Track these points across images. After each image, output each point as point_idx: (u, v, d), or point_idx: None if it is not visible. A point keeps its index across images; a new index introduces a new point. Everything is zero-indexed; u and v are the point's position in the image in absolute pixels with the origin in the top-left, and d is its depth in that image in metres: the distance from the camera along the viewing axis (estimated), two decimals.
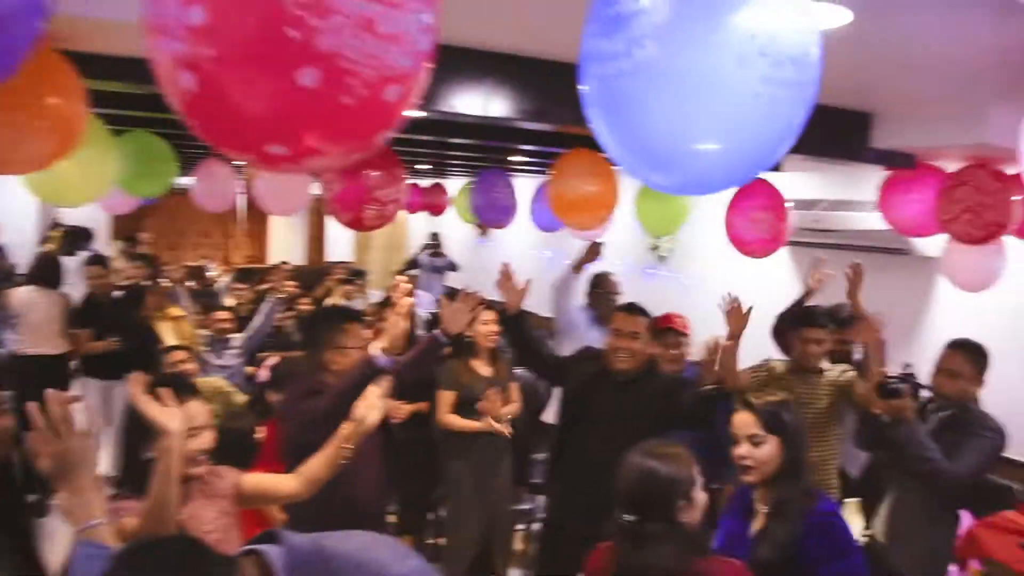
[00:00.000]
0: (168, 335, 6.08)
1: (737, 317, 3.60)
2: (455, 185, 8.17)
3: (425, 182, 9.53)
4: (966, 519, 3.59)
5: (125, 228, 11.66)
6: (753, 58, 1.32)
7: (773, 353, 4.38)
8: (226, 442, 2.71)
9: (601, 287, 5.42)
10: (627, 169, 1.54)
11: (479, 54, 2.83)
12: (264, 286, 7.58)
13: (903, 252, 5.10)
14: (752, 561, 2.37)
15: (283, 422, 3.33)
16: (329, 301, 8.46)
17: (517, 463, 4.74)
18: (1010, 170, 3.61)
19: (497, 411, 4.30)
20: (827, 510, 2.46)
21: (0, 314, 6.41)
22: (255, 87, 1.16)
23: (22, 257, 8.49)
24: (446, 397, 4.46)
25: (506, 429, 4.33)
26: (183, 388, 2.37)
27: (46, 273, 6.24)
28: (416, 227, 14.37)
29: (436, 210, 8.88)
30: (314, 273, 10.87)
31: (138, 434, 2.29)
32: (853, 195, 5.38)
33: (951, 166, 3.86)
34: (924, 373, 3.63)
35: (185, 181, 6.78)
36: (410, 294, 3.08)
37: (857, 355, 4.29)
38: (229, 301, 7.38)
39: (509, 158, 5.74)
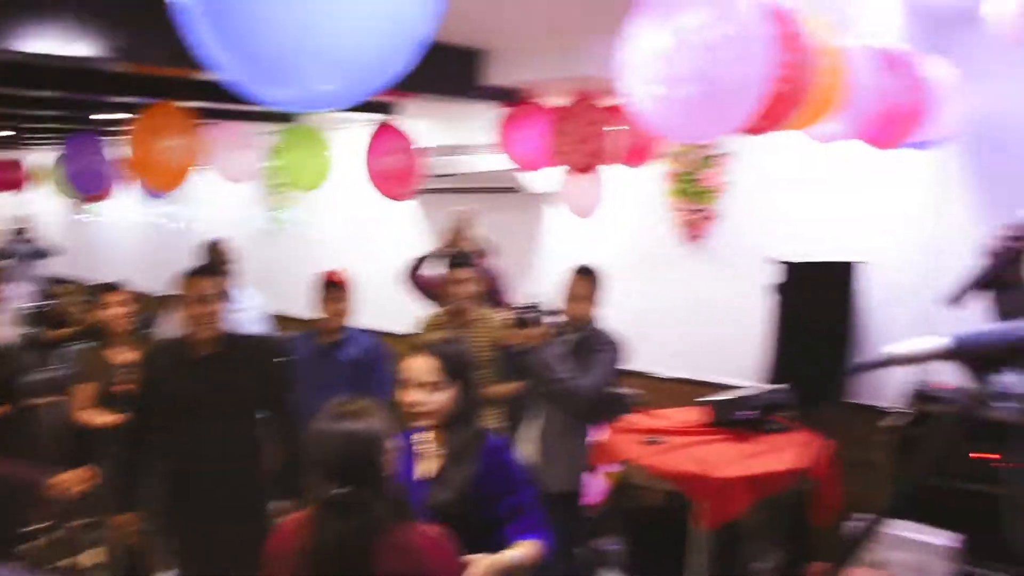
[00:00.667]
0: None
1: None
2: (40, 158, 7.18)
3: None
4: (594, 431, 3.92)
5: None
6: None
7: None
8: None
9: (214, 255, 5.05)
10: (241, 86, 1.36)
11: None
12: None
13: (514, 190, 5.40)
14: (430, 505, 2.34)
15: None
16: None
17: None
18: (612, 101, 3.89)
19: None
20: (495, 445, 2.46)
21: None
22: None
23: None
24: (83, 391, 3.98)
25: None
26: None
27: None
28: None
29: (10, 186, 7.75)
30: None
31: None
32: (465, 139, 5.56)
33: (560, 100, 4.07)
34: (545, 300, 3.88)
35: None
36: None
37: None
38: None
39: (100, 117, 5.08)
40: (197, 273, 3.31)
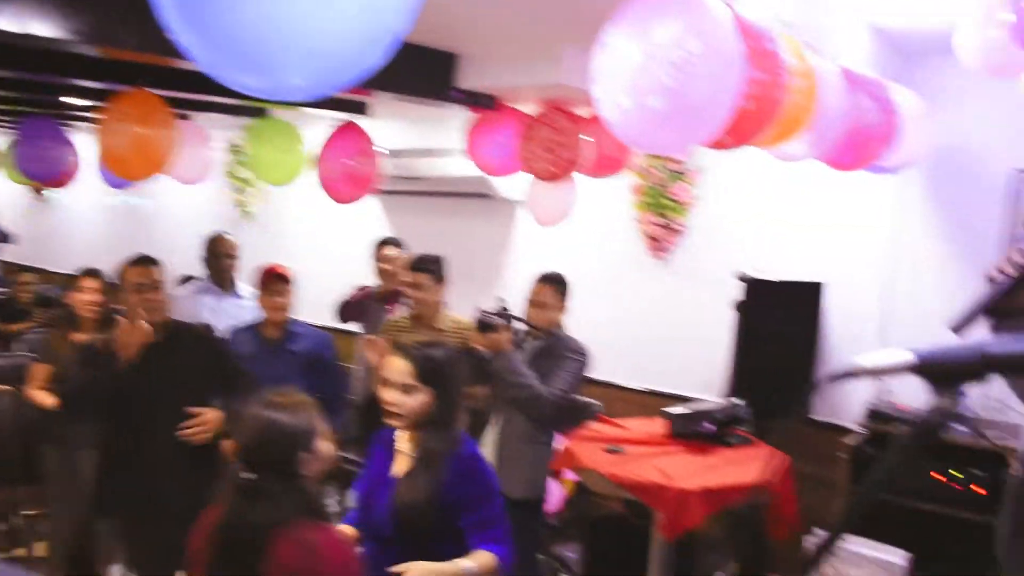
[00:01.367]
0: None
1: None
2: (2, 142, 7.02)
3: None
4: (559, 439, 3.92)
5: None
6: None
7: None
8: None
9: (217, 249, 4.97)
10: (212, 72, 1.34)
11: None
12: None
13: (486, 196, 5.38)
14: (396, 504, 2.34)
15: None
16: None
17: None
18: (582, 111, 3.91)
19: None
20: (469, 454, 2.45)
21: None
22: None
23: None
24: (38, 371, 3.92)
25: None
26: None
27: None
28: None
29: None
30: None
31: None
32: (438, 143, 5.55)
33: (530, 107, 4.08)
34: (511, 306, 3.87)
35: None
36: None
37: None
38: None
39: (63, 100, 4.95)
40: (136, 263, 3.36)
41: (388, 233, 6.05)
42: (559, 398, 3.60)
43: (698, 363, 4.64)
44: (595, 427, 3.97)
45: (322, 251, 6.79)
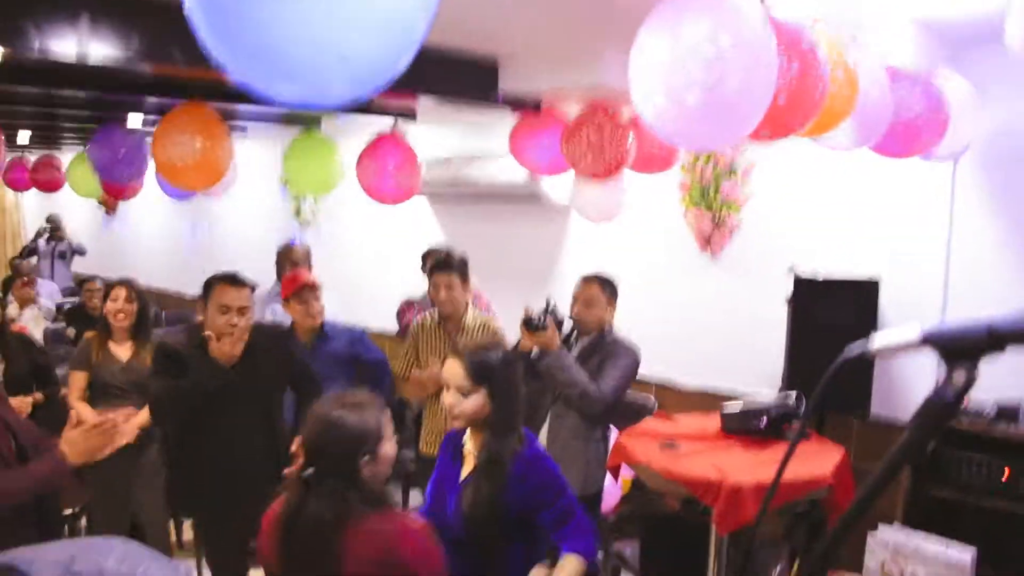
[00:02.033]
0: None
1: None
2: (70, 159, 7.27)
3: (33, 156, 8.37)
4: (614, 434, 3.94)
5: None
6: None
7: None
8: None
9: (289, 258, 5.10)
10: (245, 80, 1.39)
11: None
12: None
13: (536, 199, 5.41)
14: (461, 508, 2.38)
15: None
16: None
17: None
18: (626, 110, 3.91)
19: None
20: (532, 454, 2.47)
21: None
22: None
23: None
24: (76, 379, 4.06)
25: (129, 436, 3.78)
26: None
27: None
28: (30, 211, 12.79)
29: (49, 186, 7.82)
30: None
31: None
32: (486, 148, 5.60)
33: (574, 108, 4.09)
34: (564, 306, 3.90)
35: None
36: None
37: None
38: None
39: (129, 117, 5.14)
40: (226, 281, 3.33)
41: (440, 238, 6.14)
42: (610, 395, 3.63)
43: (753, 360, 4.60)
44: (649, 423, 3.97)
45: (377, 256, 6.90)
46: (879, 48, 2.97)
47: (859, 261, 4.18)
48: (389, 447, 2.14)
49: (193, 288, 8.88)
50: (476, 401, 2.41)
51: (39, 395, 4.18)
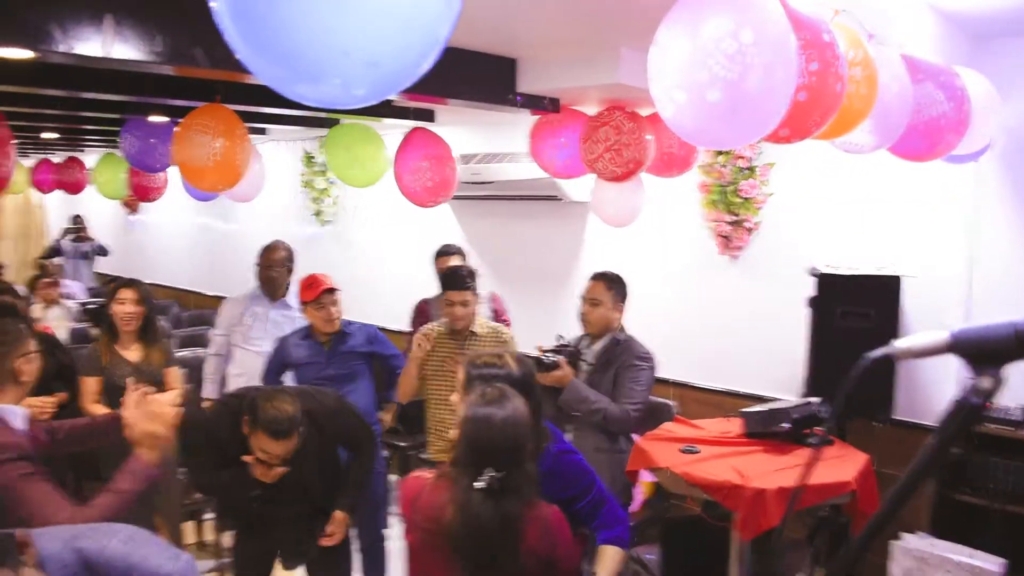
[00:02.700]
0: None
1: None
2: (93, 160, 7.35)
3: (57, 157, 8.47)
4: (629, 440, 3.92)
5: None
6: None
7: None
8: None
9: (264, 259, 5.07)
10: (271, 82, 1.40)
11: None
12: None
13: (555, 198, 5.39)
14: None
15: None
16: None
17: None
18: (644, 110, 3.89)
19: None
20: (560, 449, 2.54)
21: None
22: None
23: None
24: (88, 384, 4.06)
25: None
26: None
27: None
28: (54, 211, 12.94)
29: (73, 187, 7.90)
30: None
31: None
32: (505, 147, 5.59)
33: (592, 108, 4.08)
34: (567, 337, 3.92)
35: None
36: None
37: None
38: None
39: (152, 119, 5.18)
40: (269, 434, 2.94)
41: (459, 238, 6.14)
42: (634, 413, 3.65)
43: (774, 362, 4.56)
44: (670, 427, 3.94)
45: (395, 257, 6.91)
46: (898, 40, 2.93)
47: (882, 259, 4.13)
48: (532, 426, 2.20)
49: (212, 288, 9.02)
50: None
51: (63, 395, 4.19)
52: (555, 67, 3.64)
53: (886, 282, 3.95)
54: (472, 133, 6.02)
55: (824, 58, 2.20)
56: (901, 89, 2.69)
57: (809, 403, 3.68)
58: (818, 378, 3.99)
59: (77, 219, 10.43)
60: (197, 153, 3.74)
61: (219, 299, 8.51)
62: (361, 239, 7.26)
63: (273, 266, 4.85)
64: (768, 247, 4.67)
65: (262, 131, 6.35)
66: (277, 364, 4.24)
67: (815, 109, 2.25)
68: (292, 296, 4.79)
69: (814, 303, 3.99)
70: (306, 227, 7.68)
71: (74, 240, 10.17)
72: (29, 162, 8.22)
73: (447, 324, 3.93)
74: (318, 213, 7.62)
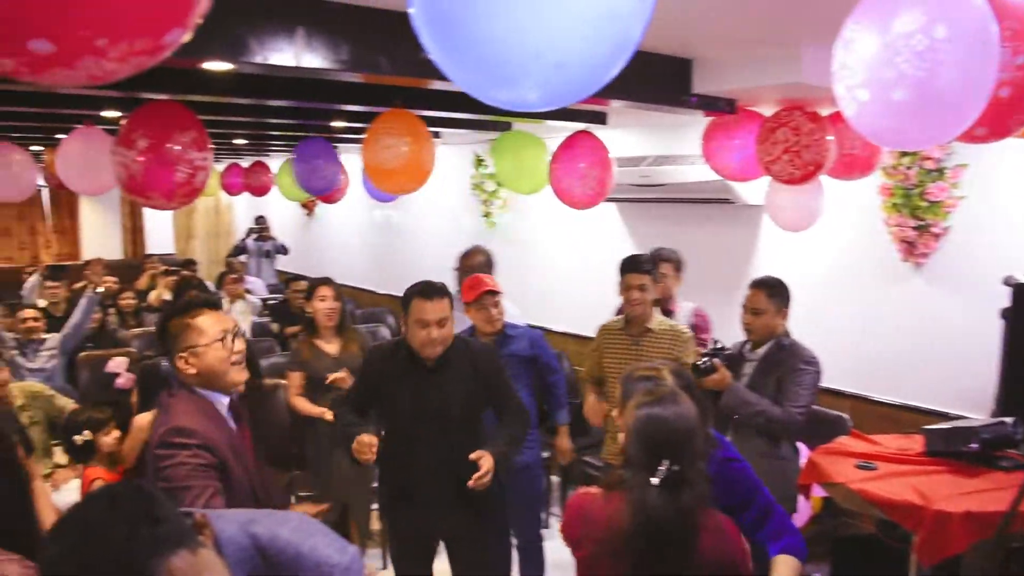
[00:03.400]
0: None
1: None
2: (277, 164, 7.82)
3: (245, 162, 9.07)
4: (804, 451, 3.78)
5: None
6: None
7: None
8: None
9: (463, 263, 5.22)
10: (466, 87, 1.44)
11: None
12: (80, 283, 7.17)
13: (728, 202, 5.26)
14: None
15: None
16: (154, 295, 8.08)
17: None
18: (824, 110, 3.74)
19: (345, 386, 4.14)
20: (723, 456, 2.50)
21: None
22: None
23: None
24: (293, 379, 4.37)
25: None
26: None
27: None
28: (240, 212, 13.84)
29: (259, 190, 8.43)
30: (135, 266, 10.30)
31: None
32: (677, 149, 5.51)
33: (769, 109, 3.96)
34: (721, 342, 3.85)
35: None
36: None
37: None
38: (41, 301, 6.78)
39: (332, 124, 5.47)
40: (425, 294, 3.23)
41: (627, 241, 6.10)
42: (798, 416, 3.54)
43: (960, 377, 4.28)
44: (845, 441, 3.77)
45: (564, 260, 6.94)
46: None
47: None
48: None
49: (385, 287, 9.39)
50: None
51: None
52: (732, 67, 3.57)
53: None
54: (642, 135, 5.97)
55: None
56: None
57: (1002, 423, 3.42)
58: (1013, 396, 3.70)
59: (260, 219, 11.07)
60: (385, 156, 3.90)
61: (390, 298, 8.86)
62: (531, 241, 7.34)
63: (472, 270, 5.01)
64: (958, 254, 4.37)
65: (436, 135, 6.56)
66: None
67: (1019, 106, 2.09)
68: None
69: (1009, 315, 3.71)
70: (476, 229, 7.85)
71: (257, 239, 10.81)
72: (220, 166, 8.81)
73: (622, 317, 3.95)
74: (487, 215, 7.77)
